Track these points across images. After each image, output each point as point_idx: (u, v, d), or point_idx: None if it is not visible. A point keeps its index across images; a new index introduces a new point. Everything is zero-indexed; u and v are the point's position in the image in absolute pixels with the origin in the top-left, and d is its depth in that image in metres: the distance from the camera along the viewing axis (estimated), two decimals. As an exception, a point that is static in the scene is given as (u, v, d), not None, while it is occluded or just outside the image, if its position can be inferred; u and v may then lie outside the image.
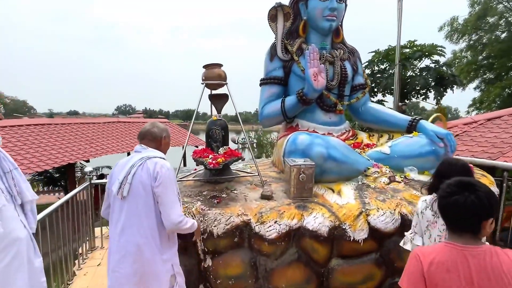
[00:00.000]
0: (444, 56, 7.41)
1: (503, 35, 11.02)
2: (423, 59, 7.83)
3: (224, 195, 2.27)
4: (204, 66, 2.61)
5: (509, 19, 10.93)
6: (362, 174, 2.71)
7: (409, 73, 7.99)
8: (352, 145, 3.14)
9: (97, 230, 3.52)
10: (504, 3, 10.68)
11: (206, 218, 1.99)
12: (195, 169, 3.01)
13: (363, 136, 3.44)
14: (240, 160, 2.71)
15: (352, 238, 2.01)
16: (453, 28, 12.15)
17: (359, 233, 2.01)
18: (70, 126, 9.45)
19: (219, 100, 2.75)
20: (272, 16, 3.28)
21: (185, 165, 2.53)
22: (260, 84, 3.48)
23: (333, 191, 2.37)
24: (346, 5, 3.42)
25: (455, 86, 6.77)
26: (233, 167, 2.93)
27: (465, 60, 12.48)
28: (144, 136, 1.66)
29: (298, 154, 2.43)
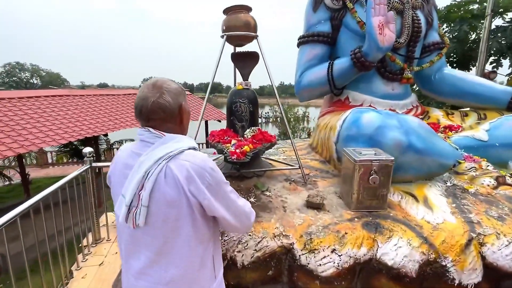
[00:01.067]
0: (523, 13, 5.91)
1: None
2: (495, 17, 6.29)
3: (252, 200, 1.56)
4: (225, 11, 1.81)
5: None
6: (449, 171, 1.88)
7: (473, 36, 6.50)
8: (427, 127, 2.26)
9: (103, 217, 3.02)
10: None
11: (227, 239, 1.31)
12: (215, 153, 2.32)
13: (438, 115, 2.53)
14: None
15: (457, 282, 1.25)
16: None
17: (470, 275, 1.24)
18: (95, 97, 9.12)
19: (245, 61, 1.96)
20: None
21: (207, 146, 1.72)
22: (299, 44, 2.62)
23: (415, 198, 1.58)
24: None
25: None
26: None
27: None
28: (150, 114, 0.88)
29: (362, 141, 1.64)
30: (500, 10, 6.02)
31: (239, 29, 1.77)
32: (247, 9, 1.81)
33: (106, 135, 8.95)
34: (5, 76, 48.59)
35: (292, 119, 11.59)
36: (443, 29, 7.01)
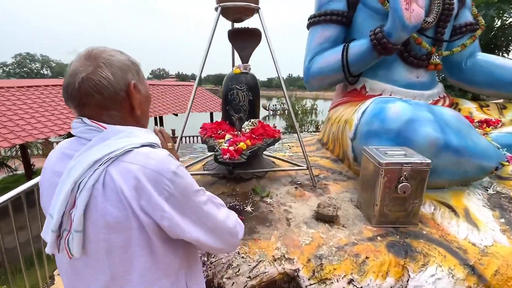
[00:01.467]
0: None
1: None
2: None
3: (249, 208, 1.27)
4: (220, -23, 1.49)
5: None
6: (491, 175, 1.55)
7: (498, 22, 5.98)
8: (460, 122, 1.92)
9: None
10: None
11: (214, 261, 1.03)
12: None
13: (470, 107, 2.18)
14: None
15: (515, 328, 0.94)
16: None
17: (533, 319, 0.94)
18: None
19: (245, 40, 1.64)
20: None
21: (203, 141, 1.36)
22: (309, 25, 2.28)
23: (453, 210, 1.26)
24: None
25: None
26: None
27: None
28: (82, 98, 0.60)
29: (386, 138, 1.32)
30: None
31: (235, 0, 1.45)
32: (247, -25, 1.48)
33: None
34: (16, 67, 49.23)
35: (299, 112, 11.19)
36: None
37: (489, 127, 1.88)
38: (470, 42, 2.17)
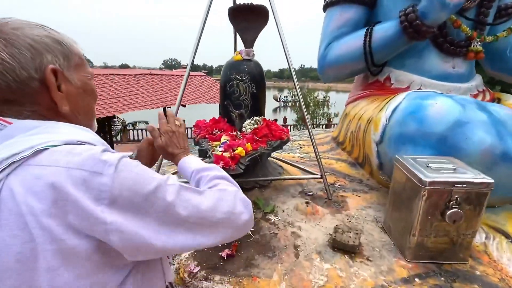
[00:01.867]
0: None
1: None
2: None
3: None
4: None
5: None
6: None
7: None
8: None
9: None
10: None
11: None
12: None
13: (515, 103, 1.84)
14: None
15: None
16: None
17: None
18: (105, 77, 8.81)
19: (249, 21, 1.36)
20: None
21: (195, 143, 1.11)
22: (326, 6, 1.97)
23: (510, 240, 0.97)
24: None
25: None
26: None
27: None
28: None
29: (425, 144, 1.03)
30: None
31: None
32: None
33: (114, 116, 8.66)
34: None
35: (311, 104, 10.78)
36: None
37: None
38: (517, 27, 1.82)
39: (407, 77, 1.81)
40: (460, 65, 1.79)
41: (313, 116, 10.75)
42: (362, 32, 1.73)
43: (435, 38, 1.73)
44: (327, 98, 13.33)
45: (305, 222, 1.07)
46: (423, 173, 0.83)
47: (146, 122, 12.82)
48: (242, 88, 1.24)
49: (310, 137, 1.28)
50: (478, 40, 1.72)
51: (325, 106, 12.34)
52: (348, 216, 1.13)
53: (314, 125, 10.10)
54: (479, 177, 0.81)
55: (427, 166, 0.87)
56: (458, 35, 1.71)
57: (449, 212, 0.80)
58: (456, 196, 0.80)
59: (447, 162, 0.90)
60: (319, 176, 1.28)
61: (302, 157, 1.85)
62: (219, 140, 1.13)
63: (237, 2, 1.37)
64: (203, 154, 1.07)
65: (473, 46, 1.72)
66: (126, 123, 11.56)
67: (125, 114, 8.59)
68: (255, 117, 1.26)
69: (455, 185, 0.79)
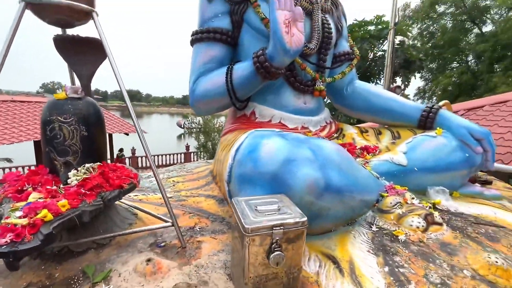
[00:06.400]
0: (408, 37, 6.75)
1: (450, 25, 11.12)
2: (386, 39, 7.04)
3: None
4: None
5: (458, 10, 11.00)
6: (373, 208, 1.49)
7: (370, 54, 7.12)
8: (344, 150, 1.89)
9: None
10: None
11: None
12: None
13: (353, 133, 2.22)
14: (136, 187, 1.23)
15: None
16: (405, 14, 11.89)
17: None
18: None
19: (83, 53, 1.19)
20: None
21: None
22: (192, 42, 1.99)
23: (337, 265, 1.07)
24: None
25: (421, 71, 6.19)
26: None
27: (416, 47, 12.47)
28: None
29: (261, 184, 1.07)
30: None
31: (55, -6, 1.00)
32: (73, -36, 1.06)
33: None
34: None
35: (209, 131, 10.88)
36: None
37: (369, 154, 1.90)
38: (348, 70, 2.24)
39: (268, 112, 1.96)
40: (310, 101, 2.06)
41: (214, 142, 10.85)
42: (224, 69, 1.79)
43: (288, 78, 1.94)
44: (228, 125, 13.74)
45: (142, 286, 0.93)
46: (248, 219, 0.83)
47: (9, 160, 10.35)
48: (67, 132, 1.04)
49: (159, 185, 1.17)
50: (321, 80, 2.03)
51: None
52: (197, 267, 1.05)
53: (199, 159, 10.16)
54: (294, 217, 0.86)
55: (255, 209, 0.89)
56: (305, 76, 1.97)
57: (271, 256, 0.81)
58: (276, 239, 0.82)
59: (275, 202, 0.94)
60: (171, 224, 1.17)
61: (171, 197, 1.72)
62: (26, 199, 0.89)
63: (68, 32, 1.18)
64: (-4, 221, 0.81)
65: (317, 85, 2.01)
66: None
67: None
68: (86, 165, 1.07)
69: (274, 228, 0.82)
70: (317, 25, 1.96)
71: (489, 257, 1.15)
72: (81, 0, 1.06)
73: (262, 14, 1.80)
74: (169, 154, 13.46)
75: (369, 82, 6.83)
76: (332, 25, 2.08)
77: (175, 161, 13.45)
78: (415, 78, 6.56)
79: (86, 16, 1.10)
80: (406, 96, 6.13)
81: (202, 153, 10.31)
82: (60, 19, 1.09)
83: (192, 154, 14.00)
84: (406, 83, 6.02)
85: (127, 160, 12.05)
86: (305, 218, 0.86)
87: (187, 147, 13.96)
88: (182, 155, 13.65)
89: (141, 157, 12.55)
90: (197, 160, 13.69)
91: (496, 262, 1.12)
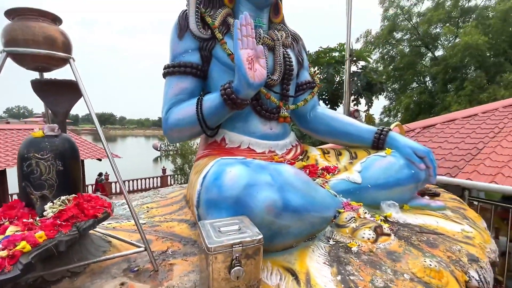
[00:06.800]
0: (369, 62, 7.38)
1: (407, 50, 12.29)
2: (352, 64, 7.62)
3: None
4: (9, 13, 1.14)
5: (413, 37, 12.20)
6: (331, 223, 1.66)
7: (337, 78, 7.65)
8: (306, 171, 2.08)
9: None
10: (409, 21, 11.84)
11: None
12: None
13: (316, 154, 2.43)
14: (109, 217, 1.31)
15: None
16: (367, 40, 12.99)
17: None
18: None
19: (60, 94, 1.30)
20: (180, -32, 2.01)
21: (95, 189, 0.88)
22: (165, 74, 2.15)
23: (295, 277, 1.21)
24: (287, -28, 2.38)
25: (383, 93, 6.75)
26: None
27: (377, 70, 13.51)
28: None
29: (226, 208, 1.20)
30: (354, 59, 7.35)
31: (35, 45, 1.12)
32: (52, 18, 1.19)
33: None
34: None
35: (186, 153, 10.88)
36: (315, 71, 8.10)
37: (329, 174, 2.10)
38: (310, 97, 2.49)
39: (238, 138, 2.12)
40: (275, 127, 2.25)
41: (191, 165, 10.81)
42: (194, 101, 1.94)
43: (254, 106, 2.13)
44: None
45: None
46: (210, 240, 0.95)
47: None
48: (44, 167, 1.13)
49: (130, 210, 1.26)
50: (284, 108, 2.24)
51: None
52: (167, 288, 1.14)
53: (175, 184, 10.11)
54: (252, 235, 1.00)
55: (219, 231, 1.01)
56: (271, 104, 2.17)
57: (232, 271, 0.93)
58: (236, 255, 0.95)
59: (236, 223, 1.08)
60: (143, 249, 1.26)
61: (145, 223, 1.79)
62: (4, 233, 0.96)
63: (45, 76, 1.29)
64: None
65: (282, 112, 2.21)
66: None
67: None
68: (62, 197, 1.15)
69: (234, 246, 0.95)
70: (279, 59, 2.19)
71: (425, 261, 1.34)
72: (58, 48, 1.19)
73: (228, 50, 2.00)
74: (145, 178, 13.15)
75: (337, 104, 7.27)
76: (293, 58, 2.34)
77: (152, 185, 13.13)
78: (378, 99, 7.12)
79: (63, 62, 1.23)
80: (371, 116, 6.61)
81: (179, 176, 10.20)
82: (38, 66, 1.21)
83: (169, 177, 13.75)
84: (370, 104, 6.56)
85: (90, 188, 11.58)
86: (261, 236, 1.00)
87: (164, 170, 13.74)
88: (159, 179, 13.39)
89: (115, 182, 12.15)
90: (174, 183, 13.46)
91: (430, 265, 1.32)
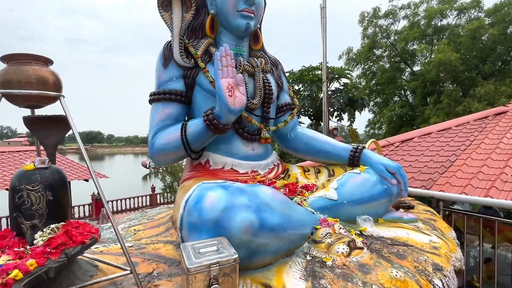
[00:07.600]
0: (351, 79, 7.73)
1: (387, 65, 12.91)
2: (334, 81, 7.97)
3: None
4: (4, 58, 1.25)
5: (392, 53, 12.85)
6: (308, 240, 1.77)
7: (321, 95, 7.95)
8: (286, 190, 2.20)
9: None
10: (388, 39, 12.50)
11: None
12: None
13: (297, 173, 2.56)
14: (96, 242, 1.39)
15: None
16: (349, 57, 13.57)
17: None
18: None
19: (50, 128, 1.40)
20: (165, 3, 2.18)
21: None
22: (150, 101, 2.27)
23: (272, 293, 1.31)
24: (265, 3, 2.59)
25: (364, 109, 7.05)
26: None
27: (360, 85, 14.05)
28: None
29: (206, 230, 1.30)
30: (336, 76, 7.68)
31: (28, 86, 1.23)
32: (44, 61, 1.31)
33: None
34: None
35: (175, 171, 10.86)
36: (300, 88, 8.40)
37: (307, 192, 2.23)
38: (290, 118, 2.65)
39: (221, 159, 2.25)
40: (257, 148, 2.39)
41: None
42: (179, 126, 2.06)
43: (237, 129, 2.26)
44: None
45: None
46: (190, 261, 1.05)
47: None
48: (35, 198, 1.21)
49: (116, 233, 1.35)
50: (265, 129, 2.38)
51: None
52: (152, 309, 1.21)
53: (161, 205, 10.11)
54: (228, 255, 1.11)
55: (198, 252, 1.11)
56: (252, 126, 2.31)
57: (211, 289, 1.03)
58: (214, 274, 1.05)
59: (215, 244, 1.18)
60: (129, 272, 1.34)
61: (131, 246, 1.85)
62: (-5, 262, 1.03)
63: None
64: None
65: (263, 134, 2.36)
66: None
67: None
68: (51, 226, 1.23)
69: (211, 266, 1.05)
70: (259, 84, 2.36)
71: (392, 272, 1.46)
72: (50, 88, 1.30)
73: (210, 78, 2.15)
74: (134, 197, 12.96)
75: (321, 120, 7.51)
76: (272, 83, 2.51)
77: (141, 204, 12.93)
78: (361, 114, 7.43)
79: (54, 99, 1.33)
80: (355, 130, 6.87)
81: (168, 194, 10.12)
82: (31, 104, 1.31)
83: (158, 195, 13.58)
84: (352, 119, 6.84)
85: (87, 208, 11.36)
86: (237, 256, 1.11)
87: (153, 189, 13.58)
88: (148, 197, 13.22)
89: (111, 201, 11.95)
90: (163, 201, 13.29)
91: (396, 276, 1.44)
